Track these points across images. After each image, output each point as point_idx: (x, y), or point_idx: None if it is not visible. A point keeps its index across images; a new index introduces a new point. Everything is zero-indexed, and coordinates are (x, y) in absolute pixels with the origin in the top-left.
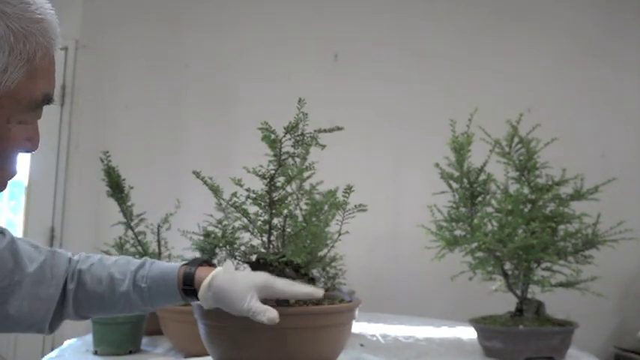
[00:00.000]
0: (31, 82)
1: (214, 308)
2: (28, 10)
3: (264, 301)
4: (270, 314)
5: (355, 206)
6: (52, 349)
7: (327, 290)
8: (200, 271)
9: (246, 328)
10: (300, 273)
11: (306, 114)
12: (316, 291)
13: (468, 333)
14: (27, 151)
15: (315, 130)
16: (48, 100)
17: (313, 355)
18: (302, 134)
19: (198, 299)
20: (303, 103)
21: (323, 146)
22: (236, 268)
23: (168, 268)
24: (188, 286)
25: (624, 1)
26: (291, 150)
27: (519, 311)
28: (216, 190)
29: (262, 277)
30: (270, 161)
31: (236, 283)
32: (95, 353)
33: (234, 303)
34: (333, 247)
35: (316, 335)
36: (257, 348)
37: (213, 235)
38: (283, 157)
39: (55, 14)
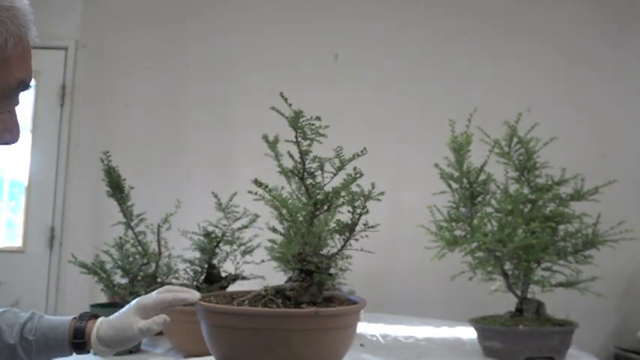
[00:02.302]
0: (3, 71)
1: (214, 307)
2: None
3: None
4: (159, 319)
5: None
6: None
7: (327, 290)
8: (90, 325)
9: (251, 329)
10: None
11: (291, 104)
12: (191, 296)
13: (468, 333)
14: (7, 143)
15: (312, 117)
16: (23, 87)
17: (318, 357)
18: (302, 126)
19: (87, 352)
20: (284, 97)
21: (326, 126)
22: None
23: (58, 321)
24: (79, 340)
25: (624, 3)
26: (296, 143)
27: (519, 311)
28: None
29: (134, 302)
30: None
31: (117, 320)
32: (95, 353)
33: (126, 335)
34: (346, 247)
35: (322, 337)
36: (262, 350)
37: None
38: (305, 148)
39: (26, 3)
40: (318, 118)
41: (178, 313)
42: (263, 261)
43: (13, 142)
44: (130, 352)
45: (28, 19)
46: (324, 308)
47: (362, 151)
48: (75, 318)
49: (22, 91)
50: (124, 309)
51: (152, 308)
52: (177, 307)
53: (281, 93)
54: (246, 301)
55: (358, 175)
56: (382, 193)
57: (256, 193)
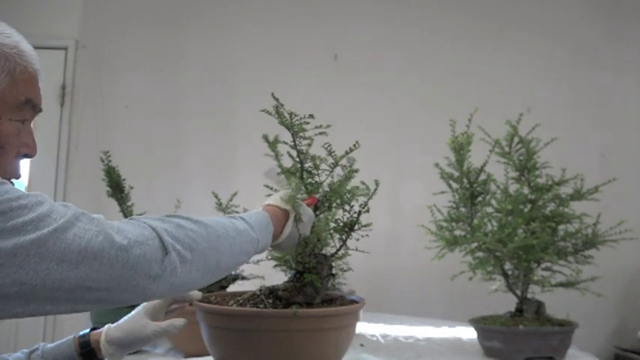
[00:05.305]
0: (13, 87)
1: (213, 309)
2: (5, 40)
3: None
4: (178, 322)
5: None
6: None
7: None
8: (93, 335)
9: (251, 330)
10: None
11: (283, 105)
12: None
13: (468, 333)
14: (26, 156)
15: (305, 116)
16: (32, 105)
17: (318, 357)
18: (295, 126)
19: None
20: (276, 97)
21: (328, 125)
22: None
23: (62, 340)
24: (85, 349)
25: (624, 2)
26: (292, 144)
27: (519, 311)
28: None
29: (141, 305)
30: (293, 161)
31: (126, 323)
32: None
33: (138, 336)
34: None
35: (321, 337)
36: (262, 351)
37: None
38: (300, 148)
39: (24, 42)
40: (312, 116)
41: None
42: (260, 260)
43: (31, 156)
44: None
45: (34, 59)
46: (305, 309)
47: (354, 145)
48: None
49: (32, 110)
50: (132, 312)
51: (160, 306)
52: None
53: (272, 94)
54: (241, 301)
55: (354, 168)
56: (377, 189)
57: (272, 188)
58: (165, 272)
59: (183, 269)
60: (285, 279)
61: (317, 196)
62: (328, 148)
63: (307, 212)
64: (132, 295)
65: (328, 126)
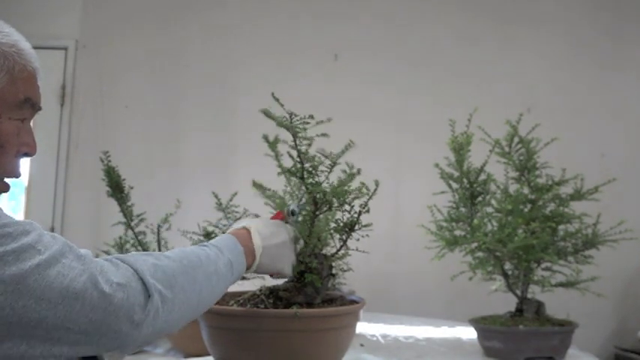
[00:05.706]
0: (13, 86)
1: (213, 309)
2: (4, 39)
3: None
4: None
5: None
6: None
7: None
8: None
9: (251, 330)
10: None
11: (283, 105)
12: None
13: (468, 333)
14: (26, 155)
15: (305, 116)
16: (31, 104)
17: (317, 357)
18: (295, 126)
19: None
20: (276, 98)
21: (328, 119)
22: None
23: None
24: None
25: (624, 2)
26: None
27: (519, 311)
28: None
29: None
30: (293, 162)
31: None
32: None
33: None
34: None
35: (321, 337)
36: (262, 351)
37: None
38: (301, 149)
39: (23, 40)
40: (312, 117)
41: None
42: None
43: (31, 155)
44: None
45: (33, 58)
46: (305, 309)
47: (350, 144)
48: None
49: (32, 109)
50: None
51: None
52: None
53: (272, 94)
54: (241, 301)
55: (355, 171)
56: (377, 189)
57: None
58: (148, 317)
59: (164, 309)
60: (286, 279)
61: (319, 196)
62: (322, 153)
63: (272, 222)
64: (112, 342)
65: (329, 119)
